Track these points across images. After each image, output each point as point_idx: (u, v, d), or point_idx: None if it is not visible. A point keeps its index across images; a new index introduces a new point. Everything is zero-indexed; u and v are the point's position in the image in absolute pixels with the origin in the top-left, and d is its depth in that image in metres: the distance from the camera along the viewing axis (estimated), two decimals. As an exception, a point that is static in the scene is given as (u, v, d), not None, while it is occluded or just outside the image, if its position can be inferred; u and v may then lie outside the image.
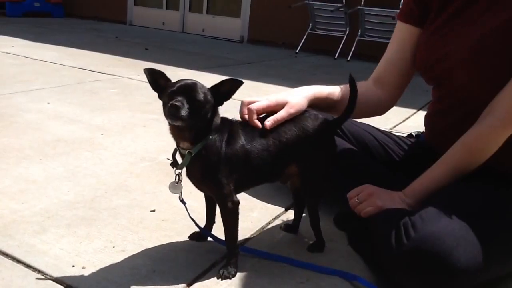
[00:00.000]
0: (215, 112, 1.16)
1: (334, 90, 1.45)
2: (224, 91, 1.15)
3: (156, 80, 1.14)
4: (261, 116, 1.28)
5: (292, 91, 1.36)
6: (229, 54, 5.70)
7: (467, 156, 1.27)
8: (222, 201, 1.19)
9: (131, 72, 3.92)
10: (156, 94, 1.15)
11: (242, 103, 1.29)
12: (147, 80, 1.15)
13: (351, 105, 1.26)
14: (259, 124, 1.23)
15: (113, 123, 2.48)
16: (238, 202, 1.19)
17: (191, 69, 4.27)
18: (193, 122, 1.09)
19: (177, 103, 1.05)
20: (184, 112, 1.06)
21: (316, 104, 1.38)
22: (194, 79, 1.13)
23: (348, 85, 1.26)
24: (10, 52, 4.39)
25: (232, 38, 7.21)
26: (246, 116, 1.26)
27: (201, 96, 1.09)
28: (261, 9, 6.93)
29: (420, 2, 1.47)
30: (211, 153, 1.14)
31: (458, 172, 1.27)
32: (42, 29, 6.44)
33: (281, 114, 1.25)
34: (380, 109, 1.63)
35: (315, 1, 6.14)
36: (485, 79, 1.29)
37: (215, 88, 1.15)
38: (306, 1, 6.11)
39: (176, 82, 1.11)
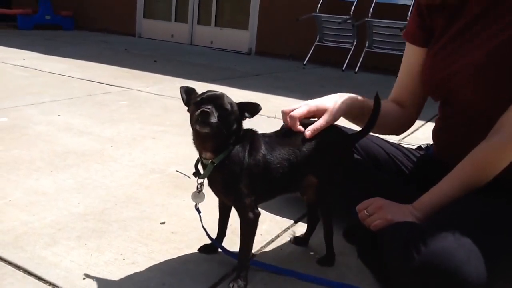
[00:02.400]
0: (239, 124, 1.19)
1: (368, 102, 1.46)
2: (247, 110, 1.18)
3: (189, 95, 1.19)
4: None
5: (331, 97, 1.38)
6: (237, 66, 5.73)
7: (476, 172, 1.27)
8: (242, 211, 1.19)
9: (140, 84, 3.95)
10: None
11: (283, 112, 1.32)
12: (180, 97, 1.19)
13: (372, 121, 1.29)
14: (303, 129, 1.27)
15: (123, 135, 2.50)
16: (259, 214, 1.20)
17: (200, 81, 4.30)
18: (220, 131, 1.12)
19: (207, 109, 1.08)
20: (213, 119, 1.09)
21: (351, 112, 1.40)
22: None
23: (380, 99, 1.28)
24: (21, 64, 4.45)
25: (240, 50, 7.25)
26: (290, 124, 1.30)
27: (228, 106, 1.13)
28: (269, 22, 6.98)
29: (424, 23, 1.48)
30: (234, 163, 1.16)
31: (467, 188, 1.27)
32: (52, 42, 6.52)
33: (320, 123, 1.28)
34: (400, 128, 1.64)
35: (322, 13, 6.17)
36: (491, 95, 1.29)
37: (240, 103, 1.18)
38: (313, 14, 6.14)
39: (204, 92, 1.15)
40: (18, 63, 4.52)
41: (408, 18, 5.20)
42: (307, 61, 6.21)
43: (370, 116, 1.29)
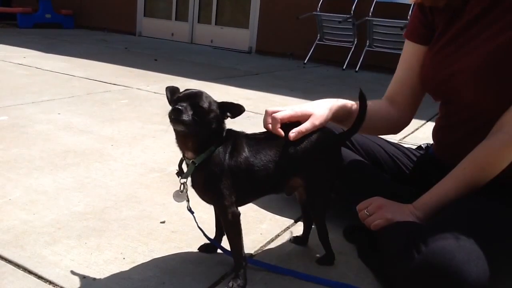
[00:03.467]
0: (220, 123, 1.18)
1: (356, 104, 1.45)
2: (229, 110, 1.17)
3: (173, 94, 1.18)
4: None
5: (316, 103, 1.36)
6: (237, 65, 5.73)
7: (477, 172, 1.27)
8: (222, 212, 1.19)
9: (140, 83, 3.95)
10: (167, 106, 1.17)
11: (266, 112, 1.29)
12: (165, 96, 1.18)
13: (360, 120, 1.27)
14: (282, 133, 1.24)
15: (123, 134, 2.50)
16: (238, 214, 1.19)
17: (200, 79, 4.29)
18: (196, 129, 1.11)
19: (179, 107, 1.08)
20: (185, 117, 1.08)
21: (339, 117, 1.39)
22: (202, 89, 1.16)
23: (368, 102, 1.27)
24: (21, 63, 4.45)
25: (240, 49, 7.25)
26: (270, 125, 1.26)
27: (205, 104, 1.12)
28: (269, 20, 6.97)
29: (426, 21, 1.48)
30: (214, 163, 1.16)
31: (467, 187, 1.27)
32: (53, 40, 6.52)
33: (305, 126, 1.25)
34: (394, 127, 1.63)
35: (323, 12, 6.17)
36: (492, 95, 1.29)
37: (221, 103, 1.17)
38: (314, 12, 6.14)
39: (183, 91, 1.15)
40: (19, 61, 4.52)
41: (408, 17, 5.20)
42: (307, 60, 6.21)
43: (357, 115, 1.28)
